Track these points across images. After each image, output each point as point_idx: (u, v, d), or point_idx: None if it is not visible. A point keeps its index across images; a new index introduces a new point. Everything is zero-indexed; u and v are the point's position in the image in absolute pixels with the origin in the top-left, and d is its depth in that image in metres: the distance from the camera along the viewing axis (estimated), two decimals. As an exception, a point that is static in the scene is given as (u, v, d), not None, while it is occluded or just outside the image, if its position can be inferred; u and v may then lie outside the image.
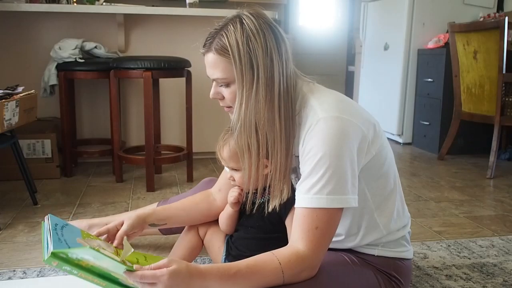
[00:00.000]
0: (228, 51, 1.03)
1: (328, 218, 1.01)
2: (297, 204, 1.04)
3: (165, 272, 0.90)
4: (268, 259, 0.99)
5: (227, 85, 1.08)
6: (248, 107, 1.05)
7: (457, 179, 2.83)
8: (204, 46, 1.09)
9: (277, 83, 1.05)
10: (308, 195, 1.01)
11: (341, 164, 1.00)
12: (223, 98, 1.11)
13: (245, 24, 1.04)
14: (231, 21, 1.06)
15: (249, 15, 1.06)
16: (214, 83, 1.11)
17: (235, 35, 1.03)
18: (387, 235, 1.16)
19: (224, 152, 1.20)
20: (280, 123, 1.06)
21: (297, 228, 1.02)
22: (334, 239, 1.14)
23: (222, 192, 1.37)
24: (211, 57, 1.07)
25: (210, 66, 1.08)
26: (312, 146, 1.01)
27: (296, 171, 1.12)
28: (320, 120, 1.01)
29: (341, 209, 1.02)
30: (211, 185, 1.47)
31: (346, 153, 1.00)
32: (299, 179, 1.07)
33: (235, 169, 1.21)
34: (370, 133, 1.08)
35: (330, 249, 1.13)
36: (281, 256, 0.99)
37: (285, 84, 1.07)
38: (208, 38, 1.08)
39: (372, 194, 1.12)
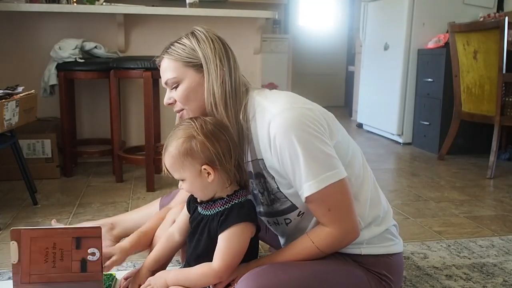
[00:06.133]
0: (178, 52, 1.14)
1: (334, 194, 1.04)
2: (302, 198, 1.06)
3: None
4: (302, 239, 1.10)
5: (177, 86, 1.15)
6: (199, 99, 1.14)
7: (457, 179, 2.83)
8: (157, 57, 1.19)
9: (227, 81, 1.12)
10: (304, 187, 1.03)
11: (312, 147, 1.02)
12: (175, 102, 1.18)
13: (196, 34, 1.16)
14: (185, 35, 1.17)
15: (201, 28, 1.17)
16: (167, 89, 1.19)
17: (186, 40, 1.15)
18: (364, 228, 1.14)
19: (166, 160, 1.10)
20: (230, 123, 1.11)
21: (316, 217, 1.09)
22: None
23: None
24: (162, 63, 1.17)
25: (162, 71, 1.17)
26: (279, 144, 1.03)
27: (261, 175, 1.14)
28: (275, 116, 1.04)
29: (341, 180, 1.04)
30: None
31: (311, 136, 1.03)
32: (269, 181, 1.12)
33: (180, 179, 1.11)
34: (325, 118, 1.11)
35: None
36: (313, 234, 1.09)
37: (234, 85, 1.14)
38: (162, 50, 1.18)
39: None
